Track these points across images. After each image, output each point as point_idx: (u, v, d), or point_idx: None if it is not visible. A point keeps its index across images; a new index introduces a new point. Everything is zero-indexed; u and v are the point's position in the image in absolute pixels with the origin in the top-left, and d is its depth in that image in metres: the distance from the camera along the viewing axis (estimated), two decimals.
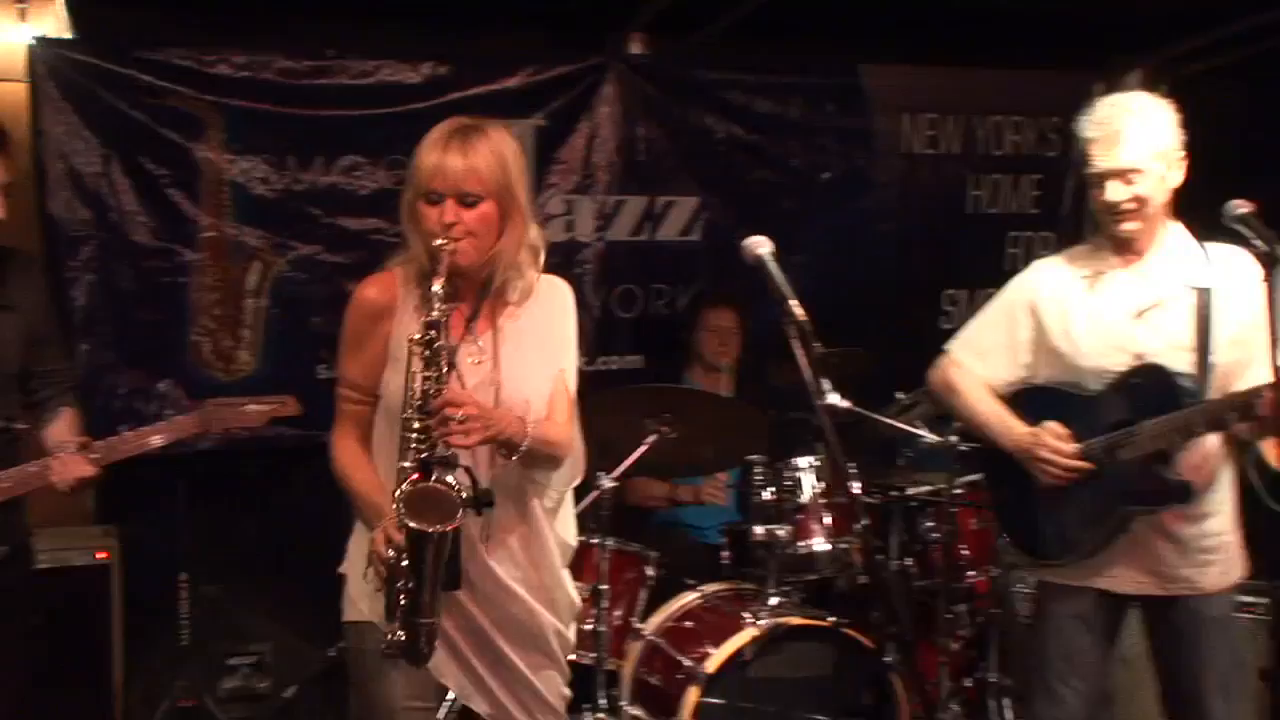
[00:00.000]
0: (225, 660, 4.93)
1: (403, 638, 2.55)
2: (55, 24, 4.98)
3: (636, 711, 4.18)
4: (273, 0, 5.16)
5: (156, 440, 3.35)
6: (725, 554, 4.65)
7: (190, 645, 4.75)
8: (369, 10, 5.24)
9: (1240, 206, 2.91)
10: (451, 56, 5.33)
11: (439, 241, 2.61)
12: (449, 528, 2.47)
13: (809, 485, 4.39)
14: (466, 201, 2.65)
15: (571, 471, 2.94)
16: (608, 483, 4.12)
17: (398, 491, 2.48)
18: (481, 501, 2.59)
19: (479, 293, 2.78)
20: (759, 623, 4.02)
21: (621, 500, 4.43)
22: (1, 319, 3.32)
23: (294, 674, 4.90)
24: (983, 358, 3.53)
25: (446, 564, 2.55)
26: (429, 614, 2.56)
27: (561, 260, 5.52)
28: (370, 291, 2.80)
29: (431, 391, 2.53)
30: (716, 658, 3.98)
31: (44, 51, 4.88)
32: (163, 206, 5.07)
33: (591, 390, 4.39)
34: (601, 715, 4.13)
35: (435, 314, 2.55)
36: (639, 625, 4.32)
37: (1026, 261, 6.09)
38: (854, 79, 5.89)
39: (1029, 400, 3.43)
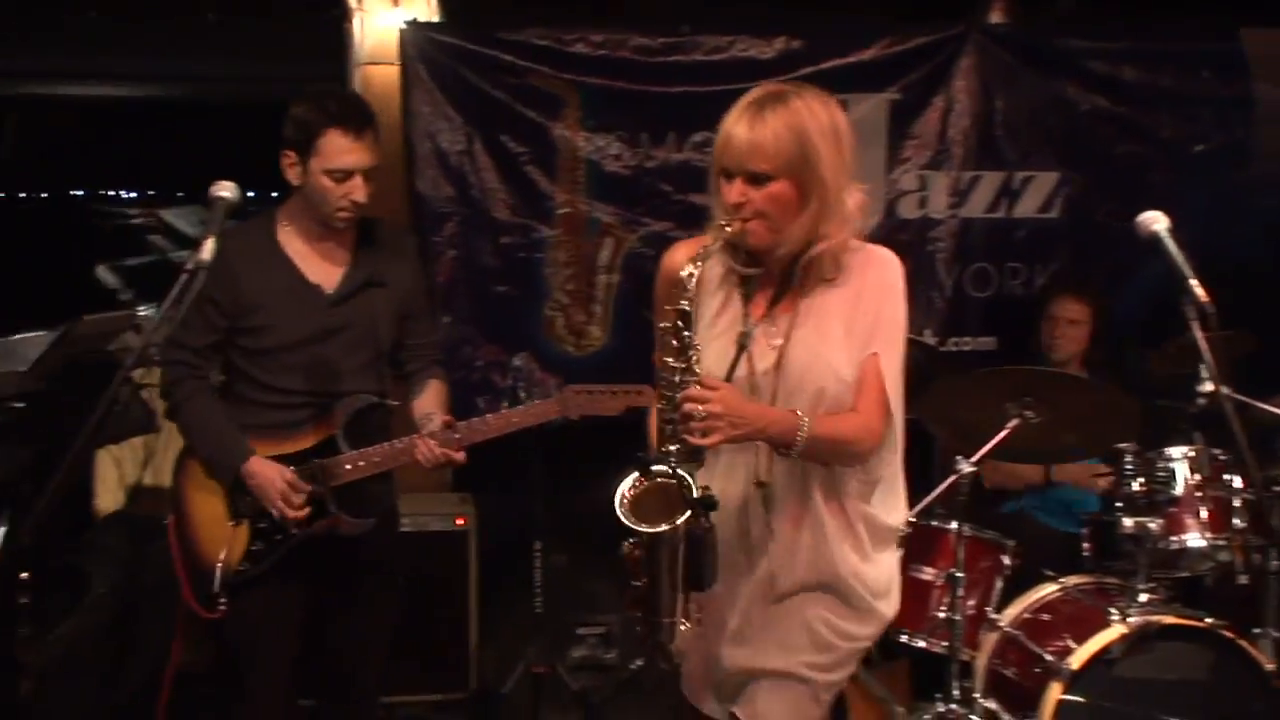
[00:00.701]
0: (575, 630, 5.03)
1: (644, 632, 2.46)
2: (425, 8, 5.23)
3: (991, 704, 4.04)
4: None
5: (516, 423, 3.42)
6: (1086, 546, 4.43)
7: (543, 613, 4.85)
8: None
9: None
10: (805, 30, 5.31)
11: (721, 223, 2.47)
12: (664, 529, 2.33)
13: (1183, 477, 4.12)
14: (756, 180, 2.46)
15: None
16: (966, 467, 3.96)
17: (621, 491, 2.37)
18: (704, 505, 2.37)
19: (784, 272, 2.59)
20: (1129, 619, 3.82)
21: (980, 484, 4.26)
22: (375, 295, 3.41)
23: (640, 647, 4.95)
24: None
25: (689, 564, 2.41)
26: (667, 612, 2.43)
27: (914, 237, 5.44)
28: (678, 255, 2.59)
29: (679, 382, 2.38)
30: (1081, 654, 3.80)
31: (414, 34, 5.14)
32: (521, 184, 5.27)
33: (949, 372, 4.32)
34: (954, 706, 3.99)
35: (683, 303, 2.40)
36: (994, 616, 4.16)
37: None
38: (1233, 44, 5.57)
39: None
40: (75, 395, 3.92)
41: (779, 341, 2.56)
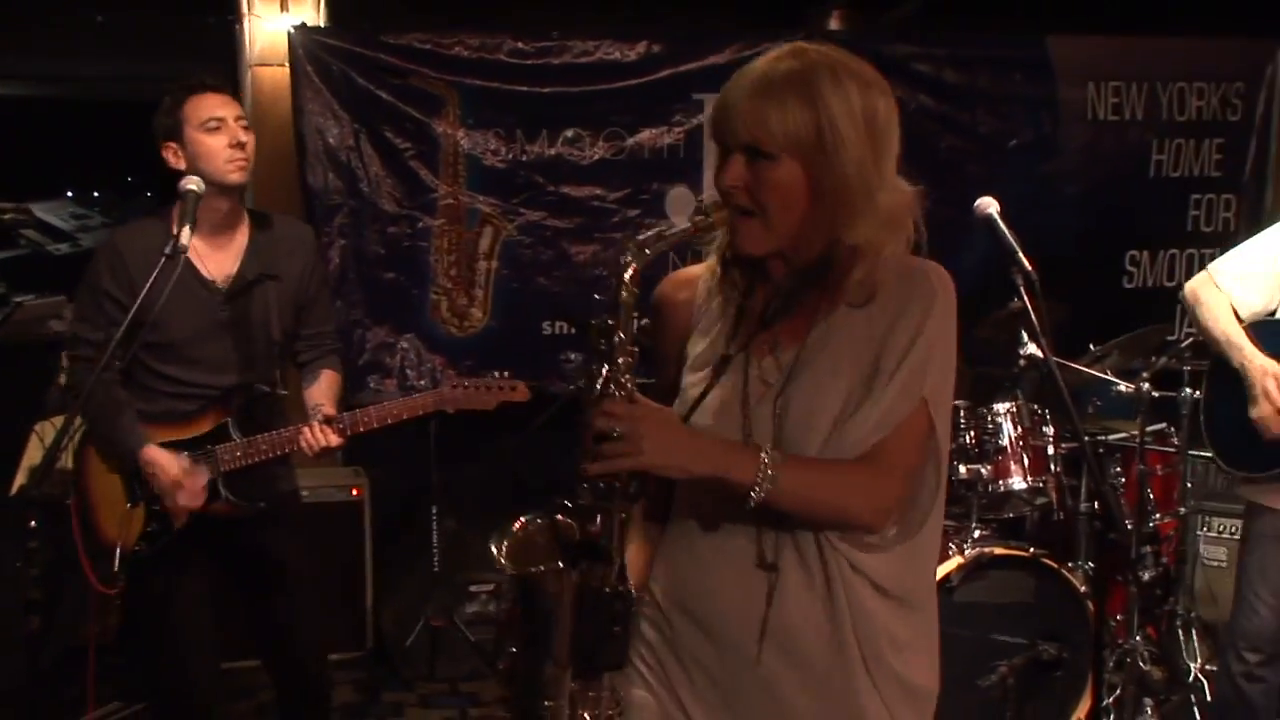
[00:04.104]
0: (468, 588, 5.40)
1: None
2: (312, 13, 5.55)
3: None
4: None
5: (395, 415, 3.53)
6: None
7: (439, 572, 5.23)
8: None
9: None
10: (665, 36, 5.69)
11: (699, 213, 1.94)
12: (533, 571, 1.85)
13: (1007, 429, 4.55)
14: (757, 156, 1.88)
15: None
16: None
17: (501, 537, 1.91)
18: (585, 552, 1.87)
19: (790, 284, 2.00)
20: (965, 551, 4.25)
21: None
22: (268, 288, 3.49)
23: None
24: (1240, 281, 3.79)
25: (575, 634, 1.89)
26: (549, 693, 2.00)
27: None
28: (665, 286, 2.10)
29: (597, 398, 1.87)
30: None
31: (301, 37, 5.42)
32: (406, 177, 5.58)
33: None
34: None
35: (623, 294, 1.90)
36: None
37: (1208, 223, 6.29)
38: (1040, 50, 6.03)
39: (1269, 329, 3.73)
40: (8, 375, 4.12)
41: (777, 378, 1.98)
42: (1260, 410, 3.64)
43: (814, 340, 1.96)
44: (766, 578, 1.96)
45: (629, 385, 1.88)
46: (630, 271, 1.88)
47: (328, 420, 3.46)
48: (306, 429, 3.45)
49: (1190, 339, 4.92)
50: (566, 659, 1.93)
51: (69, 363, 3.52)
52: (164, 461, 3.37)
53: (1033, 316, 3.06)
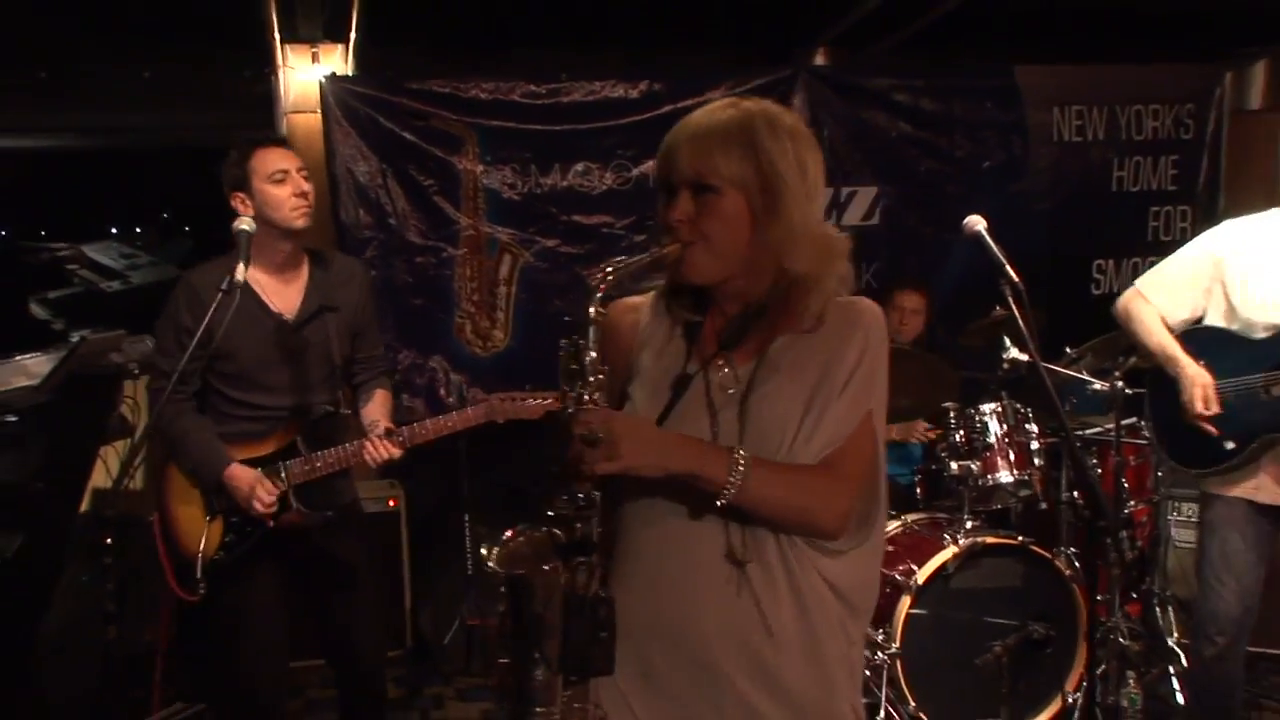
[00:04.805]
0: (500, 588, 5.73)
1: None
2: (340, 64, 5.92)
3: None
4: (514, 35, 6.08)
5: (450, 427, 3.81)
6: (919, 490, 5.22)
7: (473, 575, 5.59)
8: (594, 38, 6.10)
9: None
10: (664, 74, 6.08)
11: (656, 249, 2.08)
12: (521, 572, 1.94)
13: (994, 427, 4.87)
14: (701, 192, 2.06)
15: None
16: None
17: (493, 545, 2.03)
18: (572, 550, 1.94)
19: (745, 312, 2.17)
20: (959, 542, 4.50)
21: None
22: (328, 318, 3.76)
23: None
24: (1164, 295, 4.07)
25: (565, 638, 1.93)
26: (544, 700, 1.94)
27: None
28: (610, 312, 2.09)
29: (572, 413, 1.97)
30: (924, 571, 4.44)
31: (332, 86, 5.81)
32: (430, 211, 5.97)
33: None
34: None
35: (590, 325, 1.99)
36: None
37: (1167, 233, 6.71)
38: (1009, 79, 6.43)
39: (1200, 337, 4.00)
40: (75, 405, 4.43)
41: (735, 393, 2.13)
42: (1188, 414, 3.92)
43: (772, 355, 2.13)
44: (735, 573, 2.09)
45: (600, 400, 1.98)
46: (598, 296, 1.99)
47: (388, 434, 3.74)
48: (369, 443, 3.73)
49: None
50: (557, 664, 1.90)
51: (149, 394, 3.80)
52: (239, 481, 3.64)
53: (1021, 324, 3.28)
